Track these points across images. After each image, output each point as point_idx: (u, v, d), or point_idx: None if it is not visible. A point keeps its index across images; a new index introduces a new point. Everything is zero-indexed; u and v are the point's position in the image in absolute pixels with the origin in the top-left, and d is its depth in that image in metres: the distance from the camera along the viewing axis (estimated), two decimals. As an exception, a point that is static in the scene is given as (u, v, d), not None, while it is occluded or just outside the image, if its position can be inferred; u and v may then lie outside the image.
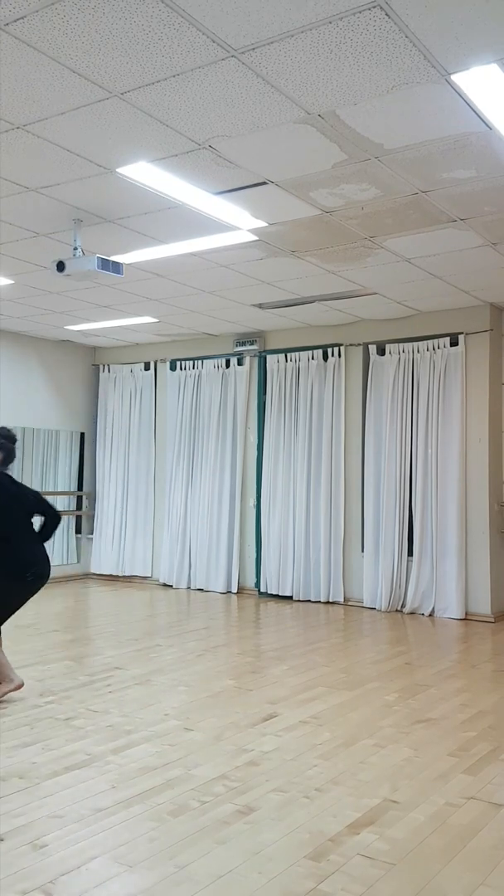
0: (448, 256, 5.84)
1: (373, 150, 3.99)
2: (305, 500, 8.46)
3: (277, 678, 5.20)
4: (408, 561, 7.85)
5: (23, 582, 4.52)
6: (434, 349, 7.79)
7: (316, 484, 8.45)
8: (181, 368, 9.57)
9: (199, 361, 9.43)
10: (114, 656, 5.65)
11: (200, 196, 4.65)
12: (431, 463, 7.71)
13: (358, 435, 8.28)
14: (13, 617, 4.81)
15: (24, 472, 9.27)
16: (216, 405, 9.20)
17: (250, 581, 8.96)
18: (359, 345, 8.34)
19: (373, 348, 8.23)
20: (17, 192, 4.67)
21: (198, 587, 9.16)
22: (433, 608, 7.64)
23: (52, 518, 4.70)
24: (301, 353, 8.64)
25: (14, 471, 4.73)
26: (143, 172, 4.31)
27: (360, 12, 2.81)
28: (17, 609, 4.66)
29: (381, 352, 8.18)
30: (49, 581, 4.69)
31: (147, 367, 9.92)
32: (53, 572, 4.83)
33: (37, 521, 4.71)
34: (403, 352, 7.99)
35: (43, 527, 4.71)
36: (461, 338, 7.62)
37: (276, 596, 8.59)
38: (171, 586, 9.34)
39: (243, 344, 9.02)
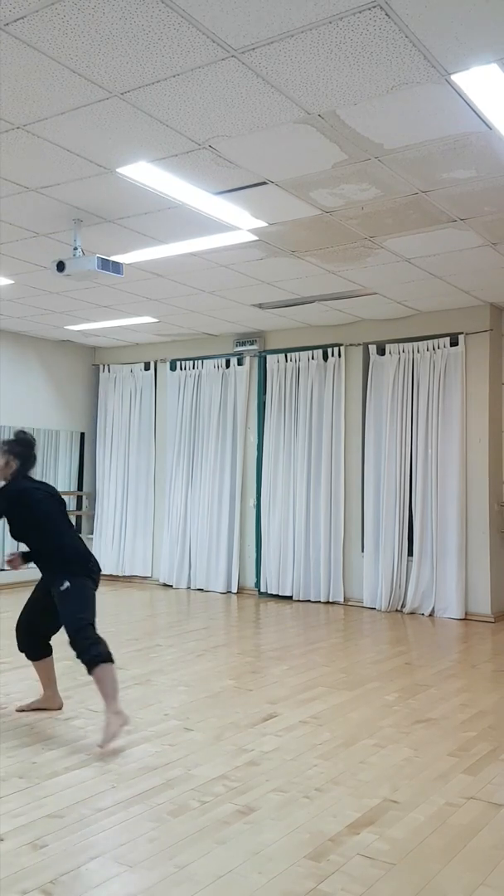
0: (448, 256, 5.84)
1: (373, 150, 3.99)
2: (305, 500, 8.46)
3: (277, 678, 5.20)
4: (408, 561, 7.85)
5: (90, 575, 4.24)
6: (434, 349, 7.79)
7: (316, 484, 8.45)
8: (181, 368, 9.57)
9: (199, 361, 9.43)
10: (114, 656, 5.63)
11: (200, 196, 4.64)
12: (431, 463, 7.71)
13: (358, 435, 8.28)
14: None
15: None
16: (216, 405, 9.20)
17: (250, 581, 8.96)
18: (359, 345, 8.34)
19: (373, 348, 8.23)
20: (17, 192, 4.67)
21: (198, 587, 9.16)
22: (433, 608, 7.64)
23: None
24: (301, 353, 8.64)
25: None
26: (143, 172, 4.31)
27: (360, 12, 2.81)
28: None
29: (381, 352, 8.18)
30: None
31: (147, 367, 9.92)
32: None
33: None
34: (403, 352, 7.99)
35: None
36: (461, 338, 7.62)
37: (276, 596, 8.59)
38: (171, 586, 9.34)
39: (243, 344, 9.02)
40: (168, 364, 9.70)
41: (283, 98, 3.45)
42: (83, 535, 10.23)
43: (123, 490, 9.96)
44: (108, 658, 3.98)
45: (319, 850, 2.80)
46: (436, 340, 7.78)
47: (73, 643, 3.98)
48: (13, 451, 4.33)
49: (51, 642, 4.44)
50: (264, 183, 4.46)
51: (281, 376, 8.77)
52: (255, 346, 8.94)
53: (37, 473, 4.54)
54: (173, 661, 5.64)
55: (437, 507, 7.65)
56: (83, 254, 5.20)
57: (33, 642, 4.41)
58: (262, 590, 8.73)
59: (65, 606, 4.07)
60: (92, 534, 10.12)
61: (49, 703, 4.44)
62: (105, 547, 9.96)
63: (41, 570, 4.30)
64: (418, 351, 7.91)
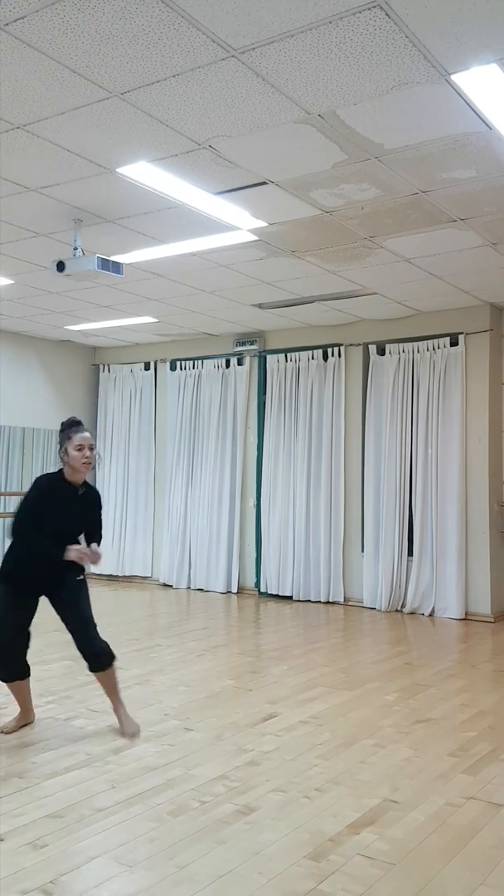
0: (448, 256, 5.84)
1: (373, 150, 3.99)
2: (305, 500, 8.45)
3: (277, 678, 5.20)
4: (408, 561, 7.85)
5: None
6: (434, 349, 7.79)
7: (316, 484, 8.45)
8: (181, 368, 9.56)
9: (199, 361, 9.43)
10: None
11: (200, 196, 4.64)
12: (431, 463, 7.71)
13: (358, 435, 8.28)
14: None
15: (24, 471, 9.27)
16: (216, 405, 9.20)
17: (250, 581, 8.96)
18: (359, 345, 8.34)
19: (373, 348, 8.23)
20: (17, 192, 4.67)
21: (198, 587, 9.16)
22: (433, 608, 7.64)
23: None
24: (301, 353, 8.64)
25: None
26: (143, 172, 4.31)
27: (360, 12, 2.81)
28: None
29: (381, 352, 8.18)
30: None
31: (147, 367, 9.92)
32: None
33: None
34: (403, 352, 7.99)
35: None
36: (461, 338, 7.62)
37: (276, 596, 8.59)
38: (171, 586, 9.34)
39: (243, 344, 9.02)
40: (168, 364, 9.70)
41: (283, 98, 3.45)
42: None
43: (123, 490, 9.95)
44: None
45: (319, 850, 2.80)
46: (436, 340, 7.78)
47: (97, 635, 3.96)
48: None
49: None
50: (264, 183, 4.46)
51: (281, 376, 8.77)
52: (255, 346, 8.94)
53: (37, 473, 4.50)
54: (173, 661, 5.64)
55: (437, 507, 7.65)
56: (83, 254, 5.20)
57: (24, 660, 4.08)
58: (262, 590, 8.73)
59: (85, 598, 4.03)
60: (92, 534, 10.11)
61: (29, 716, 4.18)
62: (105, 547, 9.90)
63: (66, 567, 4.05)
64: (418, 351, 7.91)
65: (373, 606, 7.98)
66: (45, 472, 4.16)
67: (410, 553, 7.84)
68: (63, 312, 8.03)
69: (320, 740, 3.98)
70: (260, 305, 7.57)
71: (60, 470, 4.02)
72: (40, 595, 4.03)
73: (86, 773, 3.51)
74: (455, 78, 3.26)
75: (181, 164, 4.19)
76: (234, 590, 8.94)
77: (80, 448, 3.92)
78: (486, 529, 7.46)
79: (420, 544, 7.75)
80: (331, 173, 4.30)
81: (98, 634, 3.98)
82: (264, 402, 8.93)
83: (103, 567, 9.90)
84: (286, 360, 8.75)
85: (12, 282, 6.78)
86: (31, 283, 6.82)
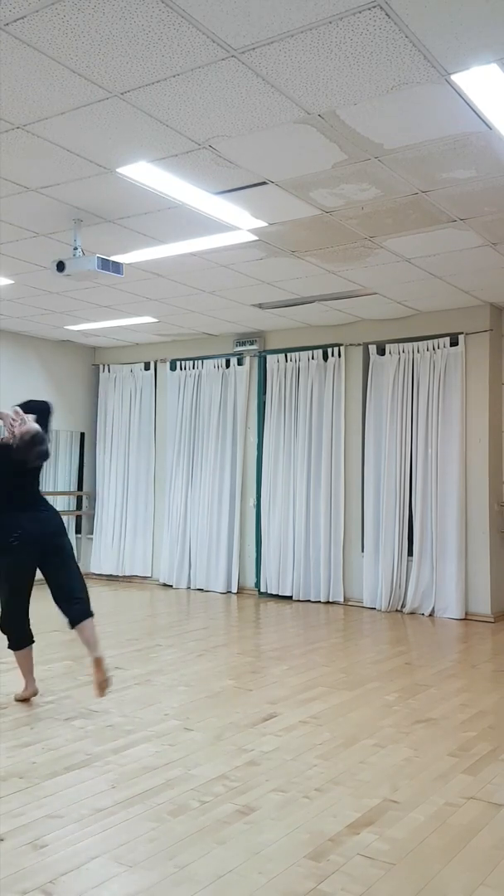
0: (448, 256, 5.84)
1: (373, 150, 3.99)
2: (305, 500, 8.45)
3: (277, 678, 5.20)
4: (408, 561, 7.85)
5: (9, 549, 4.27)
6: (434, 349, 7.79)
7: (316, 484, 8.45)
8: (181, 368, 9.57)
9: (199, 361, 9.43)
10: (114, 656, 5.63)
11: (200, 196, 4.65)
12: (431, 463, 7.71)
13: (358, 435, 8.28)
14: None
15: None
16: (216, 405, 9.20)
17: (250, 581, 8.96)
18: (359, 345, 8.34)
19: (373, 348, 8.23)
20: (17, 192, 4.67)
21: (198, 587, 9.16)
22: (433, 608, 7.64)
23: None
24: (301, 353, 8.64)
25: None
26: (143, 172, 4.31)
27: (360, 12, 2.81)
28: (21, 582, 4.38)
29: (381, 352, 8.18)
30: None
31: (147, 367, 9.92)
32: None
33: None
34: (403, 352, 7.99)
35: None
36: (461, 338, 7.62)
37: (276, 596, 8.59)
38: (171, 586, 9.34)
39: (243, 344, 9.02)
40: (168, 364, 9.70)
41: (283, 98, 3.45)
42: (83, 535, 10.25)
43: (123, 490, 9.96)
44: None
45: (319, 850, 2.80)
46: (436, 340, 7.78)
47: (83, 594, 4.35)
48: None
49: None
50: (264, 183, 4.46)
51: (281, 376, 8.77)
52: (255, 346, 8.94)
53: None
54: (173, 661, 5.64)
55: (437, 507, 7.65)
56: (83, 254, 5.20)
57: (27, 628, 4.53)
58: (262, 590, 8.73)
59: (73, 558, 4.43)
60: (92, 534, 10.12)
61: (32, 688, 4.58)
62: (105, 547, 9.96)
63: (53, 514, 4.53)
64: (418, 351, 7.91)
65: (373, 606, 7.98)
66: None
67: (410, 553, 7.84)
68: (63, 312, 8.03)
69: (320, 740, 3.98)
70: (260, 305, 7.57)
71: None
72: (32, 551, 4.31)
73: (86, 773, 3.51)
74: (455, 78, 3.26)
75: (181, 164, 4.19)
76: (234, 590, 8.94)
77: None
78: (486, 529, 7.46)
79: (420, 544, 7.75)
80: (331, 173, 4.30)
81: (82, 589, 4.35)
82: (264, 402, 8.93)
83: (104, 567, 9.92)
84: (286, 360, 8.75)
85: (12, 282, 6.79)
86: (31, 283, 6.82)
